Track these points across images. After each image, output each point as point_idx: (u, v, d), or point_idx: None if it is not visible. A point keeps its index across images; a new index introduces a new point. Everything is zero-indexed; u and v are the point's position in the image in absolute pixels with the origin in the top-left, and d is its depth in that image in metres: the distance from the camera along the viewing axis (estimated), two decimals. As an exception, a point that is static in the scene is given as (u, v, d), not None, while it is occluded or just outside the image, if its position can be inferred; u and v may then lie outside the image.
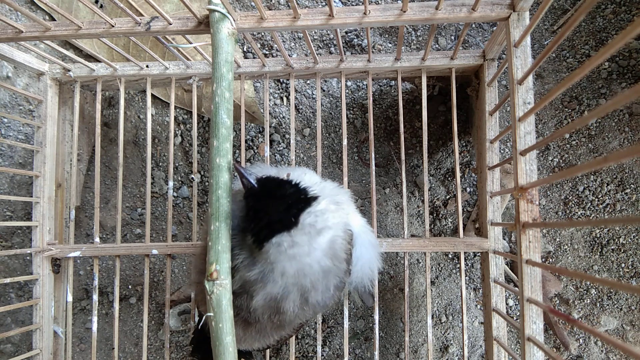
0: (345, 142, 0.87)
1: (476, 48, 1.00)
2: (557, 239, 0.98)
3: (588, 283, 0.97)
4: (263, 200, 0.56)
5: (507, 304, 0.99)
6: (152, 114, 1.05)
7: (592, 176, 0.97)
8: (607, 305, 0.96)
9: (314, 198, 0.56)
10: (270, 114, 1.04)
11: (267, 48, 1.05)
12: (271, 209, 0.54)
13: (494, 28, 0.94)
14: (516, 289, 0.69)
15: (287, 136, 1.04)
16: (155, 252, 0.89)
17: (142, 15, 0.73)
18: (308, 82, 1.04)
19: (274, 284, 0.58)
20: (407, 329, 0.84)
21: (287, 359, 1.01)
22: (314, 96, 1.04)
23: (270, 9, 0.85)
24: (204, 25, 0.69)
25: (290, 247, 0.54)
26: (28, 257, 1.07)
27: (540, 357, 0.63)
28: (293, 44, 1.05)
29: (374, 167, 0.86)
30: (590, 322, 0.96)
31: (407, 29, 1.02)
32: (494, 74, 0.83)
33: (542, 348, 0.60)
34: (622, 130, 0.95)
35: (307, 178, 0.65)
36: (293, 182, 0.58)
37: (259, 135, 1.05)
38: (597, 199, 0.96)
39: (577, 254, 0.98)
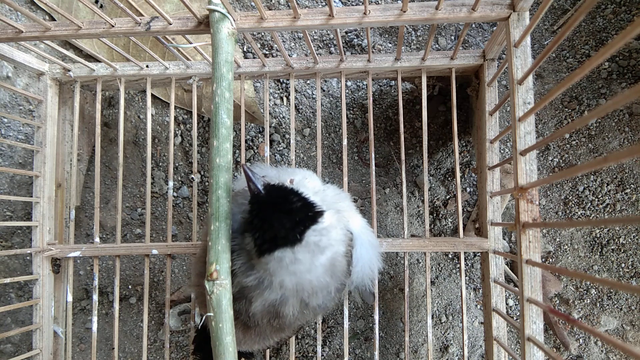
0: (345, 142, 0.87)
1: (476, 48, 1.00)
2: (557, 239, 0.98)
3: (588, 283, 0.97)
4: (269, 210, 0.54)
5: (507, 304, 0.99)
6: (152, 114, 1.05)
7: (592, 176, 0.97)
8: (607, 305, 0.96)
9: (320, 214, 0.55)
10: (270, 114, 1.04)
11: (267, 48, 1.05)
12: (277, 223, 0.53)
13: (494, 28, 0.94)
14: (516, 289, 0.69)
15: (287, 136, 1.04)
16: (155, 252, 0.89)
17: (142, 15, 0.73)
18: (308, 82, 1.04)
19: (271, 291, 0.58)
20: (407, 329, 0.84)
21: (287, 359, 1.01)
22: (314, 96, 1.04)
23: (270, 9, 0.85)
24: (204, 25, 0.69)
25: (292, 263, 0.54)
26: (28, 257, 1.07)
27: (540, 357, 0.63)
28: (293, 44, 1.05)
29: (374, 167, 0.86)
30: (590, 322, 0.96)
31: (407, 29, 1.02)
32: (494, 74, 0.83)
33: (542, 348, 0.60)
34: (622, 130, 0.95)
35: (310, 184, 0.64)
36: (301, 195, 0.56)
37: (259, 135, 1.05)
38: (597, 199, 0.96)
39: (577, 254, 0.98)
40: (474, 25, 1.01)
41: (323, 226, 0.54)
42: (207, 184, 1.05)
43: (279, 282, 0.56)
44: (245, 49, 1.04)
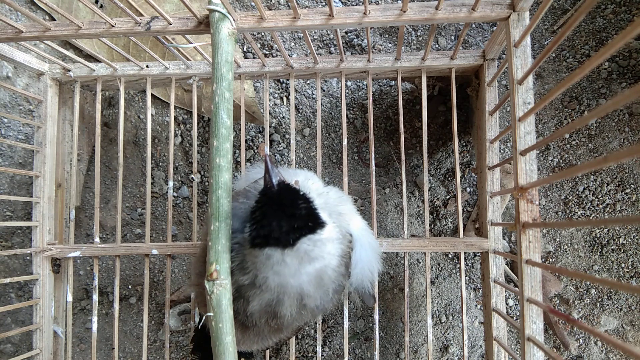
0: (345, 142, 0.87)
1: (476, 48, 1.00)
2: (557, 239, 0.98)
3: (588, 283, 0.97)
4: (274, 208, 0.55)
5: (507, 304, 0.99)
6: (152, 114, 1.05)
7: (592, 176, 0.97)
8: (607, 305, 0.96)
9: (322, 225, 0.56)
10: (270, 114, 1.04)
11: (267, 48, 1.05)
12: (276, 223, 0.53)
13: (494, 28, 0.94)
14: (516, 289, 0.69)
15: (287, 136, 1.04)
16: (155, 252, 0.89)
17: (142, 15, 0.73)
18: (308, 82, 1.04)
19: (263, 290, 0.58)
20: (407, 329, 0.84)
21: (287, 359, 1.00)
22: (314, 96, 1.04)
23: (270, 9, 0.85)
24: (204, 25, 0.69)
25: (278, 264, 0.54)
26: (28, 257, 1.07)
27: (540, 357, 0.63)
28: (293, 44, 1.05)
29: (374, 167, 0.86)
30: (590, 322, 0.96)
31: (407, 29, 1.02)
32: (494, 74, 0.83)
33: (542, 348, 0.60)
34: (622, 130, 0.95)
35: (313, 186, 0.65)
36: (309, 202, 0.56)
37: (259, 135, 1.05)
38: (597, 199, 0.96)
39: (577, 254, 0.98)
40: (474, 25, 1.01)
41: (319, 238, 0.55)
42: (207, 184, 1.05)
43: (262, 278, 0.56)
44: (245, 49, 1.04)
